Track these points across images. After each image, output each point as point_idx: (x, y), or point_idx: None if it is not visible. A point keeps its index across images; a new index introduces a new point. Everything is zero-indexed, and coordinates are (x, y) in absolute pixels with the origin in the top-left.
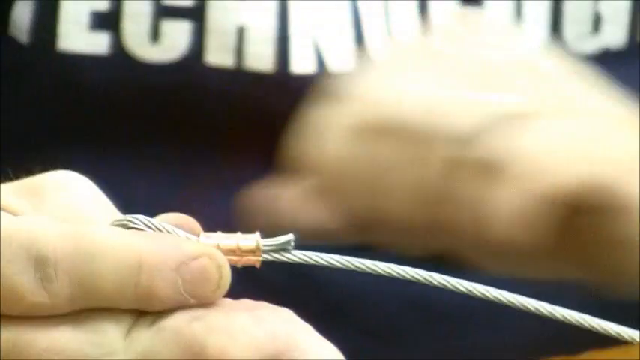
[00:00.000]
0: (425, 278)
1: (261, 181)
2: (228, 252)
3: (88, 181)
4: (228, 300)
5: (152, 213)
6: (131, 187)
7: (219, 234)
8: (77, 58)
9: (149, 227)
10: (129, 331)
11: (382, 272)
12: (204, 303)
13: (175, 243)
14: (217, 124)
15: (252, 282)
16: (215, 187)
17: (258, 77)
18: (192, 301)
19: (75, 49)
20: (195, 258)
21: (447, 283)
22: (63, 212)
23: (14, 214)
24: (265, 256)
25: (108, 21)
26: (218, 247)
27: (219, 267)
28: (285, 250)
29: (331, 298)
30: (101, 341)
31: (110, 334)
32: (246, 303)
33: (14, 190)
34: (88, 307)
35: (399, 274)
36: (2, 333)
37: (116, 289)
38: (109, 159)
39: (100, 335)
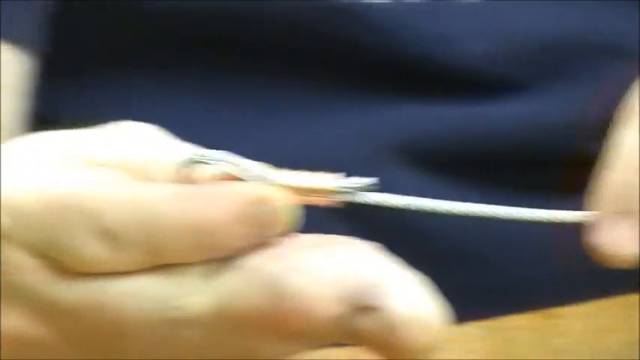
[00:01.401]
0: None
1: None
2: (306, 191)
3: (164, 134)
4: (306, 237)
5: (208, 139)
6: (189, 115)
7: (298, 173)
8: None
9: (222, 160)
10: (206, 271)
11: (459, 213)
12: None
13: (236, 192)
14: (289, 55)
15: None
16: (277, 115)
17: (328, 6)
18: (263, 240)
19: None
20: (258, 202)
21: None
22: (136, 166)
23: (101, 165)
24: (342, 197)
25: None
26: (298, 187)
27: (284, 207)
28: (364, 190)
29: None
30: (180, 281)
31: (188, 274)
32: (325, 238)
33: (99, 140)
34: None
35: (476, 212)
36: (75, 289)
37: (187, 253)
38: (168, 86)
39: (178, 276)
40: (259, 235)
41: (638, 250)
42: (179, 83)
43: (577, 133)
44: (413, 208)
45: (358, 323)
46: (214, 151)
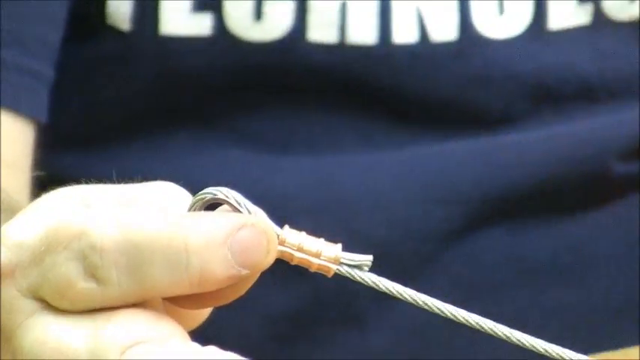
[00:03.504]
0: (490, 329)
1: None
2: (308, 253)
3: (185, 192)
4: None
5: (250, 190)
6: (230, 168)
7: (303, 234)
8: (179, 41)
9: (236, 202)
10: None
11: (449, 315)
12: (257, 272)
13: (218, 217)
14: (320, 99)
15: None
16: (315, 162)
17: (361, 51)
18: (244, 272)
19: (177, 32)
20: (240, 228)
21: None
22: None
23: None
24: (340, 268)
25: (210, 2)
26: (300, 246)
27: (265, 232)
28: (360, 268)
29: None
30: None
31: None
32: None
33: (110, 197)
34: (143, 298)
35: (464, 319)
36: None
37: (167, 275)
38: (209, 141)
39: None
40: (242, 265)
41: None
42: (217, 136)
43: (600, 155)
44: (403, 298)
45: None
46: (222, 188)
